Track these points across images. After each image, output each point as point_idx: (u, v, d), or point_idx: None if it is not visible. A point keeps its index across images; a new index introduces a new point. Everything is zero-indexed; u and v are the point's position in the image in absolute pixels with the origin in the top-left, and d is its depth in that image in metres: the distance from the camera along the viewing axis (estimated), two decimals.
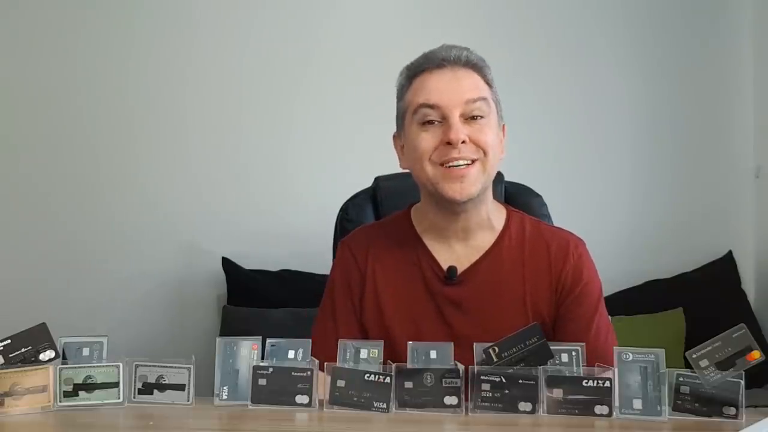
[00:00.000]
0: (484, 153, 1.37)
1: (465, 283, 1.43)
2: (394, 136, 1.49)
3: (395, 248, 1.48)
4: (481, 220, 1.44)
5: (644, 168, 3.07)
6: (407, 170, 1.45)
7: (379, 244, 1.50)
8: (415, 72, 1.42)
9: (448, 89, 1.37)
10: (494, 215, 1.47)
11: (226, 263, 2.83)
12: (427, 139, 1.37)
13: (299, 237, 2.82)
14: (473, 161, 1.37)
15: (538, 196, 1.78)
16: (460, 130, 1.35)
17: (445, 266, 1.44)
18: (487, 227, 1.46)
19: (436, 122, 1.37)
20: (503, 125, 1.45)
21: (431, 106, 1.37)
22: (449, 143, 1.35)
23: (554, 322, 1.41)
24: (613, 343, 1.36)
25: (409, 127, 1.41)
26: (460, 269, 1.44)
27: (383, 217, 1.75)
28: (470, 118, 1.37)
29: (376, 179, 1.86)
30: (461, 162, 1.36)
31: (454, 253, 1.45)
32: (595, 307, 1.43)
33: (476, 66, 1.41)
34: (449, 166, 1.36)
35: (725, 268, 2.98)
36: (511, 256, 1.44)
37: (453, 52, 1.40)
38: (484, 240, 1.46)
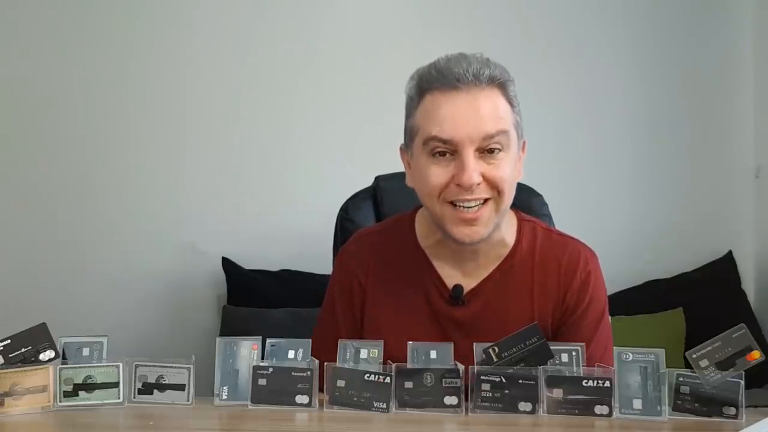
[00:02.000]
0: (499, 192, 1.27)
1: (471, 303, 1.38)
2: (401, 149, 1.39)
3: (398, 262, 1.42)
4: (492, 243, 1.37)
5: (644, 168, 3.07)
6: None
7: (381, 257, 1.44)
8: (425, 87, 1.28)
9: (464, 120, 1.24)
10: (506, 230, 1.39)
11: (226, 263, 2.83)
12: (438, 175, 1.27)
13: (299, 237, 2.82)
14: (486, 200, 1.28)
15: (538, 195, 1.77)
16: (473, 172, 1.24)
17: (450, 284, 1.38)
18: (499, 244, 1.39)
19: (447, 154, 1.26)
20: (524, 141, 1.36)
21: (443, 141, 1.25)
22: (461, 185, 1.25)
23: (554, 338, 1.36)
24: (608, 362, 1.29)
25: (419, 154, 1.30)
26: (467, 287, 1.38)
27: (384, 217, 1.73)
28: (487, 152, 1.26)
29: (377, 179, 1.86)
30: (473, 204, 1.27)
31: (461, 270, 1.39)
32: (594, 330, 1.37)
33: (498, 82, 1.27)
34: (460, 207, 1.27)
35: (725, 268, 2.98)
36: (521, 270, 1.38)
37: (471, 69, 1.25)
38: (494, 256, 1.39)
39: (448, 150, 1.26)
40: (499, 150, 1.27)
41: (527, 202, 1.69)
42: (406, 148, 1.37)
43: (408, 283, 1.40)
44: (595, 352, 1.32)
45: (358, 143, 2.89)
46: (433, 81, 1.28)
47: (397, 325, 1.38)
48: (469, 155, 1.24)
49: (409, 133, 1.34)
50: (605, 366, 1.20)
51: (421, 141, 1.29)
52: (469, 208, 1.27)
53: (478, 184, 1.25)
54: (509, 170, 1.28)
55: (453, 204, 1.28)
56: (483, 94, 1.26)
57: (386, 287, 1.41)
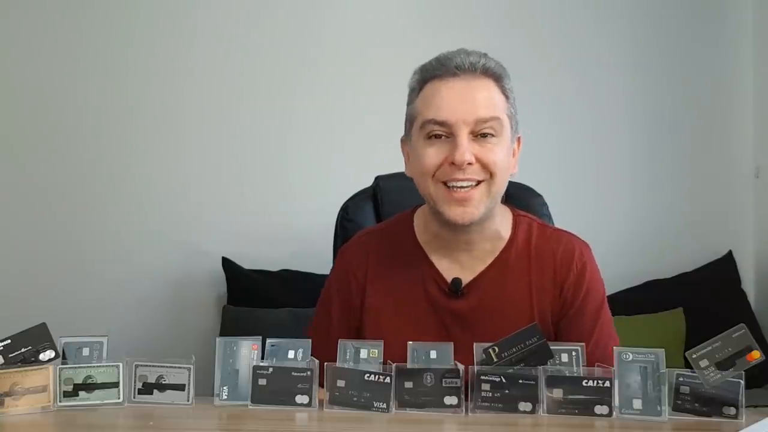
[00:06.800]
0: (491, 174, 1.31)
1: (469, 296, 1.39)
2: (402, 140, 1.44)
3: (396, 259, 1.44)
4: (487, 233, 1.40)
5: (644, 168, 3.07)
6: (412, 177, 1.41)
7: (380, 254, 1.46)
8: (427, 77, 1.35)
9: (459, 104, 1.30)
10: (501, 224, 1.42)
11: (226, 263, 2.83)
12: (432, 156, 1.32)
13: (299, 237, 2.82)
14: (478, 183, 1.31)
15: (538, 196, 1.77)
16: (466, 151, 1.28)
17: (448, 277, 1.40)
18: (494, 237, 1.41)
19: (443, 137, 1.31)
20: (518, 137, 1.40)
21: (439, 123, 1.31)
22: (454, 163, 1.29)
23: (556, 332, 1.38)
24: (615, 343, 1.33)
25: (417, 138, 1.36)
26: (465, 280, 1.40)
27: (384, 217, 1.74)
28: (480, 136, 1.31)
29: (377, 179, 1.86)
30: (465, 184, 1.31)
31: (458, 263, 1.41)
32: (596, 317, 1.39)
33: (494, 75, 1.34)
34: (452, 187, 1.31)
35: (725, 268, 2.98)
36: (518, 265, 1.40)
37: (469, 60, 1.32)
38: (490, 249, 1.41)
39: (443, 132, 1.32)
40: (492, 135, 1.32)
41: (528, 202, 1.70)
42: (407, 138, 1.42)
43: (406, 276, 1.42)
44: (599, 340, 1.34)
45: (358, 143, 2.89)
46: (433, 70, 1.35)
47: (396, 317, 1.40)
48: (463, 136, 1.30)
49: (409, 121, 1.39)
50: (605, 366, 1.21)
51: (418, 125, 1.35)
52: (461, 188, 1.31)
53: (470, 164, 1.30)
54: (501, 156, 1.33)
55: (446, 185, 1.32)
56: (478, 83, 1.33)
57: (385, 282, 1.43)
